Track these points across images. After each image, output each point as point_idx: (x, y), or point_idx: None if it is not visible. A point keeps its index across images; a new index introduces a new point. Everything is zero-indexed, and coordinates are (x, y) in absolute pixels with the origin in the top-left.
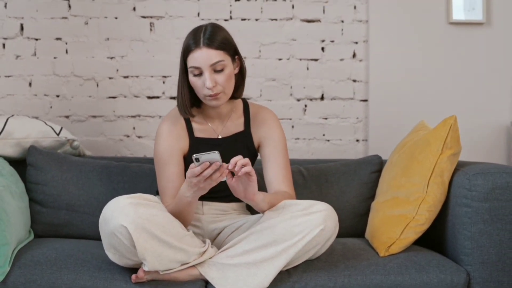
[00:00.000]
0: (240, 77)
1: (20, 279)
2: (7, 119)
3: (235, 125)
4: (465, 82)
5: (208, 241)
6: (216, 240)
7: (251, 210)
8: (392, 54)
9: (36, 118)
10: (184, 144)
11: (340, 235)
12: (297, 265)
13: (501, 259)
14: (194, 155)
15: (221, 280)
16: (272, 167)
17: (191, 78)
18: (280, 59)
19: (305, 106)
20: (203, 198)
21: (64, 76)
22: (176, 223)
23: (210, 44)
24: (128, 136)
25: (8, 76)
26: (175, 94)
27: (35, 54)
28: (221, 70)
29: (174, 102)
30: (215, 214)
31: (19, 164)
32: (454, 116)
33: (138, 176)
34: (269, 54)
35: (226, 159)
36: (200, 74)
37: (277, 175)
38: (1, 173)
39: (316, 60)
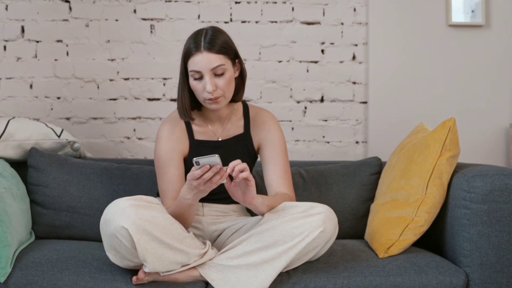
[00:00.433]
0: (241, 81)
1: (22, 280)
2: (8, 121)
3: (235, 128)
4: (465, 84)
5: (208, 242)
6: (217, 242)
7: (251, 212)
8: (392, 56)
9: (37, 120)
10: (184, 146)
11: (339, 236)
12: (297, 267)
13: (499, 261)
14: (195, 158)
15: (221, 282)
16: (272, 169)
17: (192, 81)
18: (280, 61)
19: (305, 108)
20: (203, 199)
21: (65, 78)
22: (176, 225)
23: (211, 48)
24: (128, 138)
25: (9, 78)
26: (175, 96)
27: (36, 56)
28: (222, 74)
29: (175, 104)
30: (216, 215)
31: (20, 166)
32: (453, 118)
33: (139, 177)
34: (269, 56)
35: (226, 161)
36: (200, 78)
37: (277, 177)
38: (3, 175)
39: (316, 62)
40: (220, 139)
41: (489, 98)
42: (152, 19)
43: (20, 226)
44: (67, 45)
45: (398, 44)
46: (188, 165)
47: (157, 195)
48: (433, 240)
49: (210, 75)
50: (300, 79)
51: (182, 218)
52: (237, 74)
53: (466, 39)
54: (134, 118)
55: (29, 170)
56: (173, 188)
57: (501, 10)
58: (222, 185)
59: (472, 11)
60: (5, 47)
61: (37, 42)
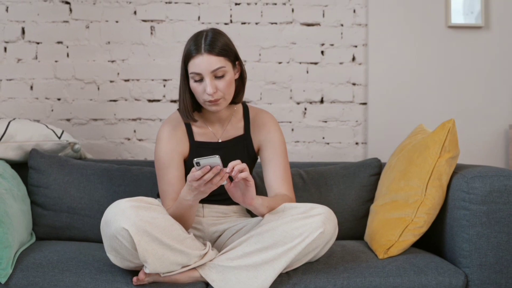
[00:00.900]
0: (241, 82)
1: (22, 281)
2: (9, 123)
3: (235, 129)
4: (464, 85)
5: (208, 243)
6: (217, 243)
7: (251, 213)
8: (392, 57)
9: (38, 121)
10: (184, 148)
11: (339, 237)
12: (297, 267)
13: (498, 262)
14: (195, 159)
15: (221, 283)
16: (272, 170)
17: (192, 83)
18: (280, 63)
19: (305, 109)
20: (203, 201)
21: (65, 79)
22: (177, 226)
23: (211, 50)
24: (129, 139)
25: (10, 80)
26: (175, 97)
27: (36, 58)
28: (222, 76)
29: (175, 105)
30: (216, 217)
31: (21, 167)
32: (452, 120)
33: (139, 179)
34: (269, 58)
35: (226, 162)
36: (201, 80)
37: (277, 178)
38: (3, 176)
39: (315, 63)
40: (220, 141)
41: (489, 99)
42: (152, 21)
43: (21, 227)
44: (67, 47)
45: (397, 45)
46: (188, 166)
47: (157, 196)
48: (433, 241)
49: (211, 77)
50: (300, 80)
51: (183, 219)
52: (237, 75)
53: (466, 41)
54: (134, 119)
55: (30, 172)
56: (173, 189)
57: (501, 11)
58: (222, 186)
59: (472, 13)
60: (5, 49)
61: (38, 43)
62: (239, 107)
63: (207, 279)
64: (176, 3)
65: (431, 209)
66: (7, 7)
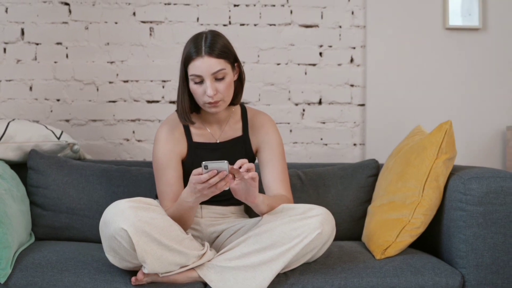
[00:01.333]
0: (239, 84)
1: (22, 282)
2: (8, 123)
3: (233, 130)
4: (462, 87)
5: (207, 244)
6: (215, 243)
7: (249, 214)
8: (389, 59)
9: (37, 122)
10: (182, 148)
11: (337, 238)
12: (295, 268)
13: (495, 262)
14: (204, 162)
15: (219, 283)
16: (270, 172)
17: (192, 85)
18: (278, 64)
19: (303, 110)
20: (202, 202)
21: (64, 80)
22: (175, 227)
23: (211, 52)
24: (128, 140)
25: (9, 80)
26: (174, 98)
27: (35, 59)
28: (222, 78)
29: (174, 107)
30: (214, 217)
31: (20, 167)
32: (449, 121)
33: (138, 179)
34: (267, 59)
35: None
36: (201, 82)
37: (275, 179)
38: (3, 177)
39: (314, 65)
40: (218, 141)
41: (486, 100)
42: (151, 22)
43: (20, 227)
44: (66, 48)
45: (395, 47)
46: (186, 167)
47: (156, 197)
48: (430, 241)
49: (211, 79)
50: (298, 81)
51: (182, 220)
52: (236, 77)
53: (463, 42)
54: (133, 120)
55: (29, 172)
56: (172, 190)
57: (498, 13)
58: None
59: (469, 15)
60: (5, 50)
61: (37, 44)
62: (237, 108)
63: (205, 279)
64: (175, 4)
65: (428, 210)
66: (7, 8)
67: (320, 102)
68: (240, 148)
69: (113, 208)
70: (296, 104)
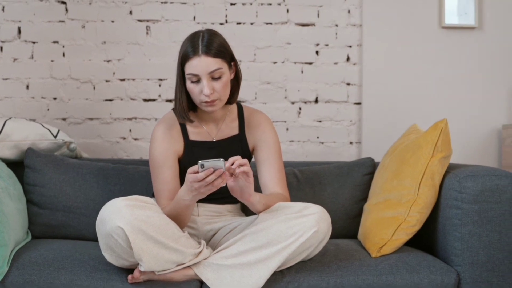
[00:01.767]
0: (236, 83)
1: (18, 280)
2: (5, 122)
3: (229, 129)
4: (458, 85)
5: (203, 242)
6: (211, 241)
7: (245, 212)
8: (386, 58)
9: (34, 120)
10: (178, 147)
11: (333, 236)
12: (291, 266)
13: (490, 260)
14: (200, 161)
15: (216, 281)
16: (266, 170)
17: (189, 84)
18: (275, 63)
19: (300, 109)
20: (198, 200)
21: (61, 79)
22: (171, 225)
23: (208, 52)
24: (124, 138)
25: (6, 79)
26: (171, 97)
27: (32, 57)
28: (219, 78)
29: (170, 105)
30: (210, 215)
31: (17, 166)
32: (445, 120)
33: (135, 178)
34: (264, 58)
35: None
36: (198, 81)
37: (272, 178)
38: None
39: (310, 63)
40: (215, 140)
41: (482, 99)
42: (148, 21)
43: (17, 225)
44: (63, 46)
45: (392, 46)
46: (183, 165)
47: (152, 195)
48: (425, 239)
49: (208, 78)
50: (294, 80)
51: (179, 218)
52: (232, 76)
53: (459, 41)
54: (130, 119)
55: (26, 170)
56: (168, 188)
57: (494, 12)
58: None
59: (465, 13)
60: (1, 48)
61: (34, 43)
62: (233, 107)
63: (201, 277)
64: (171, 3)
65: (424, 208)
66: (3, 7)
67: (316, 101)
68: (236, 147)
69: (110, 206)
70: (293, 103)
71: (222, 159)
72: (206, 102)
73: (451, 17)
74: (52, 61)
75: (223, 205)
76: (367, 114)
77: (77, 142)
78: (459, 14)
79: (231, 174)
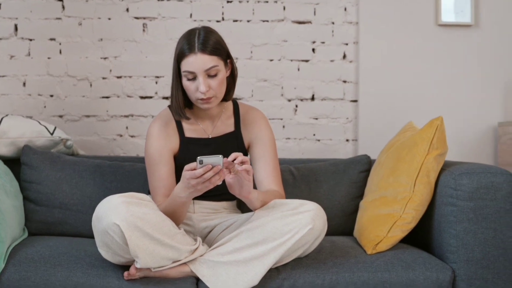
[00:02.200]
0: (231, 80)
1: (15, 276)
2: (2, 119)
3: (225, 125)
4: (454, 83)
5: (199, 239)
6: (207, 238)
7: (241, 209)
8: (382, 55)
9: (30, 117)
10: (174, 144)
11: (328, 233)
12: (286, 263)
13: (485, 257)
14: (199, 157)
15: (211, 278)
16: (262, 167)
17: (185, 82)
18: (271, 60)
19: (296, 106)
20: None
21: (58, 76)
22: (167, 222)
23: (204, 49)
24: (121, 136)
25: (2, 76)
26: (167, 94)
27: (29, 54)
28: (215, 75)
29: (167, 102)
30: (206, 212)
31: (14, 163)
32: (440, 117)
33: (131, 175)
34: (260, 55)
35: None
36: (194, 78)
37: (267, 175)
38: None
39: (307, 61)
40: (210, 137)
41: (478, 97)
42: (144, 18)
43: (13, 222)
44: (60, 43)
45: (388, 43)
46: (178, 162)
47: (148, 192)
48: (421, 236)
49: (204, 76)
50: (291, 77)
51: (175, 215)
52: (228, 73)
53: (455, 39)
54: (126, 116)
55: (22, 168)
56: (164, 185)
57: (490, 9)
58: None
59: (462, 11)
60: None
61: (30, 40)
62: (229, 104)
63: (197, 274)
64: (168, 0)
65: (419, 205)
66: (0, 4)
67: (312, 98)
68: (232, 144)
69: (106, 203)
70: (289, 100)
71: (220, 156)
72: (202, 99)
73: (448, 15)
74: (48, 58)
75: (219, 202)
76: (364, 111)
77: (73, 139)
78: (456, 12)
79: (230, 171)
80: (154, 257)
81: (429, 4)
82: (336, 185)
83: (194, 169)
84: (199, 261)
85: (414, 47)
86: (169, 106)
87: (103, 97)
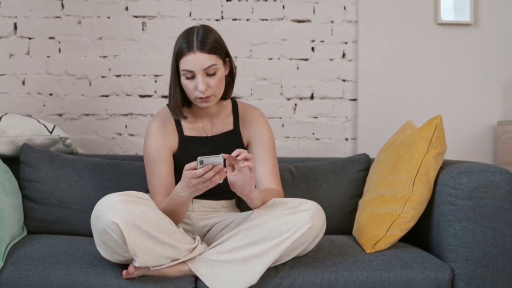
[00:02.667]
0: (230, 79)
1: (13, 275)
2: (1, 117)
3: (224, 124)
4: (453, 82)
5: (198, 237)
6: (206, 237)
7: (240, 208)
8: (381, 54)
9: (30, 116)
10: (173, 142)
11: (327, 232)
12: (285, 262)
13: (484, 256)
14: (199, 157)
15: (210, 276)
16: (261, 166)
17: (183, 80)
18: (270, 59)
19: (295, 105)
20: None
21: (57, 74)
22: (166, 220)
23: (203, 48)
24: (120, 134)
25: (2, 75)
26: (166, 93)
27: (28, 53)
28: (213, 74)
29: (166, 101)
30: (205, 211)
31: (13, 161)
32: (439, 116)
33: (130, 173)
34: (260, 54)
35: None
36: (192, 77)
37: (266, 174)
38: None
39: (306, 60)
40: (209, 135)
41: (477, 96)
42: (144, 17)
43: (12, 221)
44: (59, 42)
45: (387, 42)
46: (177, 161)
47: (147, 191)
48: (420, 235)
49: (202, 74)
50: (290, 76)
51: (174, 214)
52: (227, 72)
53: (455, 38)
54: (125, 115)
55: (21, 166)
56: (163, 184)
57: (490, 8)
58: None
59: (461, 10)
60: None
61: (30, 39)
62: (228, 103)
63: (196, 272)
64: None
65: (418, 204)
66: (0, 3)
67: (312, 97)
68: (231, 142)
69: (105, 201)
70: (288, 99)
71: (221, 155)
72: (200, 98)
73: (447, 14)
74: (48, 57)
75: (218, 201)
76: (363, 110)
77: (73, 138)
78: (455, 11)
79: (233, 167)
80: (152, 256)
81: (429, 3)
82: (335, 184)
83: (195, 169)
84: (198, 259)
85: (413, 46)
86: (167, 105)
87: (102, 96)
